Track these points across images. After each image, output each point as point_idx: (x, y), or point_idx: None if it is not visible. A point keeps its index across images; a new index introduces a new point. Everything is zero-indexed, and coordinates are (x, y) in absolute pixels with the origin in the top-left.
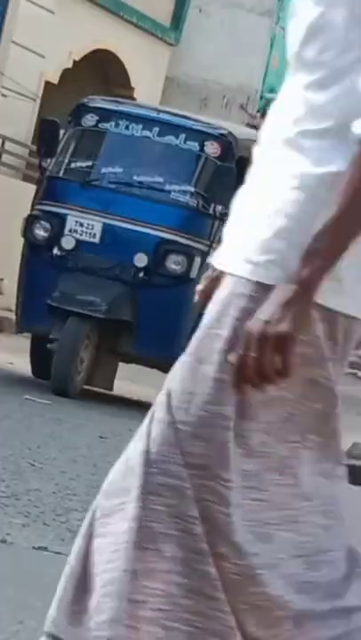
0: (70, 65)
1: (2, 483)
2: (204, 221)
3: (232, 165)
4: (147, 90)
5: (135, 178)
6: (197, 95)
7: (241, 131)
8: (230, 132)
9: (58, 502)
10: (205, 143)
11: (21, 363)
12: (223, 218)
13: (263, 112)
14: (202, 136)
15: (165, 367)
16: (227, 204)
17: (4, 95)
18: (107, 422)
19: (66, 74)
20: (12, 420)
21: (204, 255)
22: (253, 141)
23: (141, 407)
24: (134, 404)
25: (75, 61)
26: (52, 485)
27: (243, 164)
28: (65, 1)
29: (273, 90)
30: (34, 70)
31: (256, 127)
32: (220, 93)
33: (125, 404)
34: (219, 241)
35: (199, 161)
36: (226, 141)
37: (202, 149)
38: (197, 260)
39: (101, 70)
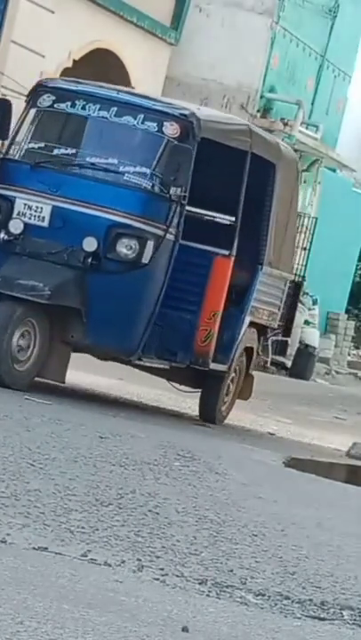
0: (70, 64)
1: (2, 483)
2: (160, 204)
3: (190, 147)
4: (147, 89)
5: (88, 159)
6: (197, 95)
7: (207, 112)
8: (193, 113)
9: (58, 502)
10: (164, 124)
11: None
12: (181, 201)
13: (263, 112)
14: (161, 116)
15: (120, 358)
16: (185, 187)
17: (3, 95)
18: (107, 422)
19: (66, 73)
20: (11, 420)
21: (160, 240)
22: (218, 123)
23: (141, 407)
24: (134, 404)
25: (75, 61)
26: (51, 485)
27: (206, 145)
28: (65, 0)
29: (273, 90)
30: (34, 70)
31: (257, 127)
32: (220, 93)
33: (125, 404)
34: (177, 225)
35: (157, 142)
36: (186, 122)
37: (160, 130)
38: (151, 244)
39: (101, 70)
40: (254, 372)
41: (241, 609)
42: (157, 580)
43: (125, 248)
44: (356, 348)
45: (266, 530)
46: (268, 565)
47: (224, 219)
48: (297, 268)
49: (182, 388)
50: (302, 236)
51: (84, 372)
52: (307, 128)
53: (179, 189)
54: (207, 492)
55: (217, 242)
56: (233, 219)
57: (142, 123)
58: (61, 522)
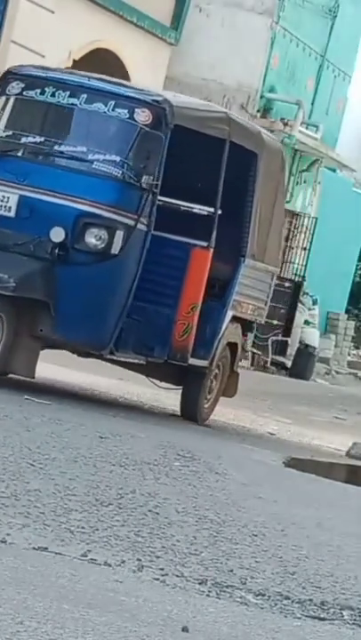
0: (70, 64)
1: (2, 483)
2: (131, 193)
3: (163, 134)
4: None
5: (57, 148)
6: (197, 95)
7: (181, 99)
8: (165, 99)
9: (58, 502)
10: (136, 110)
11: None
12: (153, 189)
13: (263, 112)
14: (132, 103)
15: (91, 353)
16: (156, 175)
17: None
18: (107, 422)
19: None
20: (11, 420)
21: (130, 229)
22: (193, 110)
23: (141, 407)
24: (134, 404)
25: (75, 61)
26: (51, 485)
27: (182, 133)
28: (65, 0)
29: (273, 89)
30: None
31: None
32: (220, 93)
33: (125, 404)
34: (148, 215)
35: (127, 129)
36: (158, 108)
37: (131, 117)
38: (121, 234)
39: (101, 70)
40: (256, 372)
41: (241, 609)
42: (157, 579)
43: (94, 238)
44: (357, 347)
45: (266, 530)
46: (268, 565)
47: (202, 209)
48: (297, 268)
49: (162, 384)
50: (302, 235)
51: (84, 372)
52: (307, 128)
53: (150, 178)
54: (207, 492)
55: (195, 233)
56: (211, 209)
57: (113, 110)
58: (61, 522)
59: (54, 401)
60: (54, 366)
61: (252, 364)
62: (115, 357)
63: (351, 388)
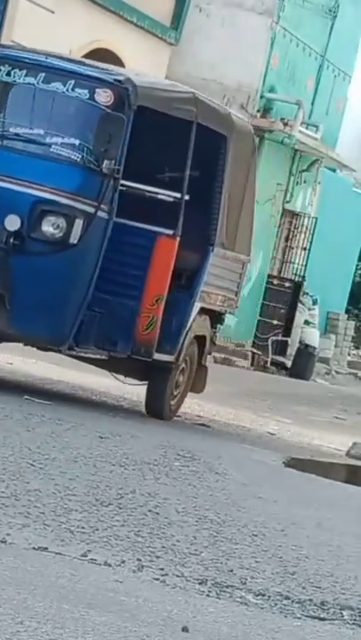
0: None
1: (2, 483)
2: (91, 179)
3: (125, 116)
4: None
5: (12, 130)
6: None
7: (145, 79)
8: (128, 79)
9: (58, 502)
10: (97, 91)
11: (21, 363)
12: (114, 175)
13: (263, 112)
14: (93, 83)
15: (48, 348)
16: (118, 160)
17: None
18: (107, 422)
19: None
20: (11, 419)
21: (90, 217)
22: (158, 90)
23: (141, 407)
24: (134, 403)
25: None
26: (51, 485)
27: (143, 114)
28: (65, 0)
29: (273, 90)
30: None
31: (257, 127)
32: (220, 93)
33: (125, 404)
34: (110, 201)
35: (88, 110)
36: (121, 89)
37: (91, 97)
38: (80, 222)
39: None
40: (256, 372)
41: (241, 609)
42: (157, 579)
43: (51, 227)
44: (357, 347)
45: (266, 530)
46: (268, 565)
47: (168, 195)
48: (297, 268)
49: (127, 380)
50: (302, 235)
51: (84, 372)
52: (307, 128)
53: (112, 162)
54: (207, 492)
55: (161, 221)
56: (178, 195)
57: (72, 90)
58: (61, 522)
59: (54, 401)
60: (55, 366)
61: (252, 364)
62: (74, 353)
63: (351, 387)
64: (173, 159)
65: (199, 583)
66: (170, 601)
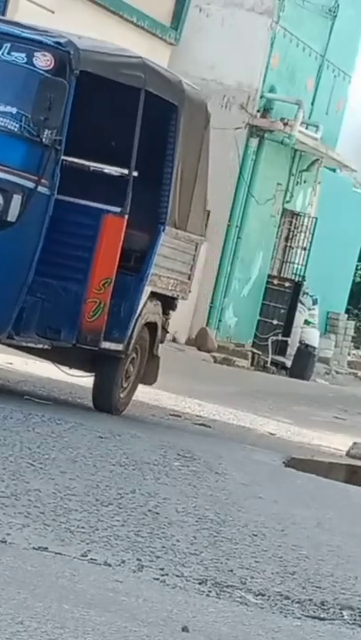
0: None
1: (2, 483)
2: (30, 151)
3: (67, 81)
4: None
5: None
6: None
7: (89, 42)
8: (70, 42)
9: (58, 502)
10: (35, 54)
11: (21, 363)
12: (56, 146)
13: (263, 112)
14: (32, 46)
15: None
16: (60, 129)
17: None
18: (107, 422)
19: None
20: (11, 419)
21: (31, 193)
22: (103, 54)
23: (140, 407)
24: (133, 403)
25: None
26: (51, 485)
27: (86, 80)
28: (65, 0)
29: (273, 90)
30: None
31: (257, 127)
32: (220, 93)
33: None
34: (51, 176)
35: (25, 76)
36: (62, 52)
37: (29, 62)
38: (18, 198)
39: None
40: (256, 372)
41: (241, 609)
42: (157, 579)
43: None
44: (357, 347)
45: (266, 530)
46: (268, 565)
47: (114, 170)
48: (297, 268)
49: (72, 372)
50: (302, 235)
51: (84, 371)
52: (307, 128)
53: (52, 132)
54: (207, 492)
55: (107, 198)
56: (125, 171)
57: (8, 53)
58: (61, 522)
59: (54, 401)
60: (54, 366)
61: (252, 364)
62: (15, 342)
63: (351, 387)
64: (120, 130)
65: (199, 583)
66: (170, 601)
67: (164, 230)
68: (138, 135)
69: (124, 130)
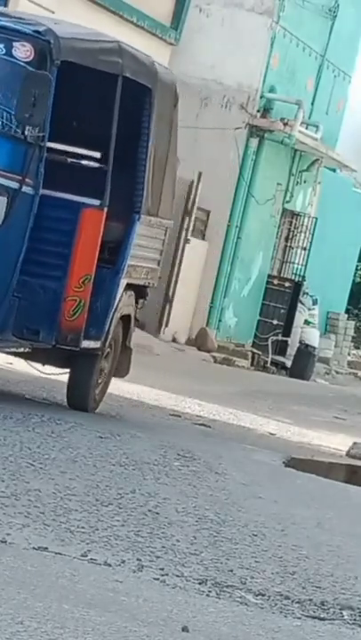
0: None
1: (2, 483)
2: (13, 150)
3: (49, 73)
4: None
5: None
6: (197, 95)
7: (66, 29)
8: (49, 30)
9: (58, 502)
10: (14, 44)
11: (21, 363)
12: (39, 143)
13: (263, 112)
14: (9, 35)
15: None
16: (43, 125)
17: None
18: (107, 422)
19: None
20: (11, 419)
21: (15, 193)
22: (82, 41)
23: (141, 407)
24: (133, 403)
25: None
26: (51, 485)
27: (67, 70)
28: (65, 0)
29: (273, 90)
30: None
31: (257, 127)
32: (220, 93)
33: (125, 404)
34: (36, 174)
35: (5, 69)
36: (42, 42)
37: (8, 52)
38: (3, 201)
39: None
40: (256, 372)
41: (241, 609)
42: (157, 579)
43: None
44: (357, 347)
45: (266, 530)
46: (268, 565)
47: (92, 160)
48: (297, 268)
49: (45, 369)
50: (302, 235)
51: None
52: (307, 128)
53: (36, 129)
54: (207, 492)
55: (85, 190)
56: (104, 165)
57: None
58: (61, 522)
59: (54, 400)
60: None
61: (252, 364)
62: None
63: (351, 387)
64: (95, 118)
65: (199, 583)
66: (170, 601)
67: (139, 219)
68: (116, 123)
69: (101, 118)
